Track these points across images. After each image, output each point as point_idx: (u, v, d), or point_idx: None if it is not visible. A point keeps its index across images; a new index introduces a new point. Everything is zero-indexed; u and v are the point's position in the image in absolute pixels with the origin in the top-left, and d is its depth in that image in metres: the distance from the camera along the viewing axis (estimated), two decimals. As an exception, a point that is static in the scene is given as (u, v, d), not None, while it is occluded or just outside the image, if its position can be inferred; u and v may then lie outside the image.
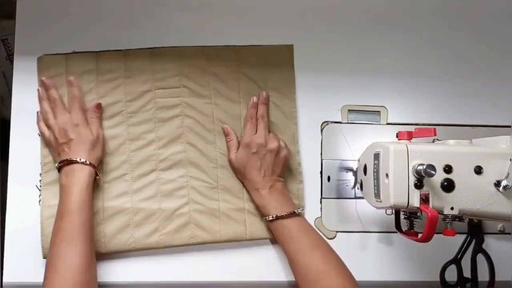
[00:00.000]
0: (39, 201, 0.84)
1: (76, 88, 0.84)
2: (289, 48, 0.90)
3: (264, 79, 0.88)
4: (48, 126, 0.83)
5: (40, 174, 0.84)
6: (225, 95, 0.87)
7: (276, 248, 0.86)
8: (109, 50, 0.87)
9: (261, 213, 0.84)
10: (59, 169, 0.80)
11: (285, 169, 0.86)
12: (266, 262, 0.86)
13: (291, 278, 0.84)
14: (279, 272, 0.85)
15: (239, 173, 0.85)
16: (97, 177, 0.82)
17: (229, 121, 0.87)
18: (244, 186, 0.86)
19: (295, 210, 0.82)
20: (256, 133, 0.84)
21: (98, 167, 0.82)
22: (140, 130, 0.86)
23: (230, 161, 0.86)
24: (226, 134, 0.87)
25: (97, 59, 0.86)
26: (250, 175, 0.83)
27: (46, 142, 0.84)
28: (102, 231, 0.83)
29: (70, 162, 0.79)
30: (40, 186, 0.84)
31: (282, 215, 0.81)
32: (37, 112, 0.85)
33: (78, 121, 0.82)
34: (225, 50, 0.88)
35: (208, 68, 0.88)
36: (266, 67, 0.88)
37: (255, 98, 0.86)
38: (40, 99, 0.84)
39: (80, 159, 0.79)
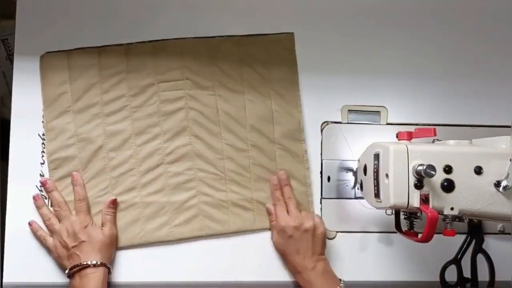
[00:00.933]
0: (39, 201, 0.84)
1: (80, 187, 0.83)
2: (290, 36, 0.89)
3: (267, 68, 0.88)
4: (53, 232, 0.81)
5: (40, 175, 0.84)
6: (228, 86, 0.87)
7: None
8: (111, 45, 0.86)
9: None
10: (72, 273, 0.78)
11: (325, 245, 0.84)
12: (267, 262, 0.86)
13: (293, 278, 0.85)
14: (280, 271, 0.85)
15: (281, 255, 0.85)
16: (110, 273, 0.81)
17: (233, 111, 0.87)
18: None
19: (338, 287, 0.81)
20: (288, 214, 0.84)
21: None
22: (145, 124, 0.86)
23: (273, 243, 0.86)
24: (269, 214, 0.86)
25: (99, 54, 0.86)
26: (290, 258, 0.83)
27: (51, 250, 0.81)
28: None
29: (83, 267, 0.78)
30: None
31: None
32: (30, 223, 0.82)
33: (86, 222, 0.81)
34: (226, 41, 0.88)
35: (211, 59, 0.87)
36: (268, 56, 0.88)
37: (274, 180, 0.86)
38: (40, 206, 0.82)
39: (92, 262, 0.78)
